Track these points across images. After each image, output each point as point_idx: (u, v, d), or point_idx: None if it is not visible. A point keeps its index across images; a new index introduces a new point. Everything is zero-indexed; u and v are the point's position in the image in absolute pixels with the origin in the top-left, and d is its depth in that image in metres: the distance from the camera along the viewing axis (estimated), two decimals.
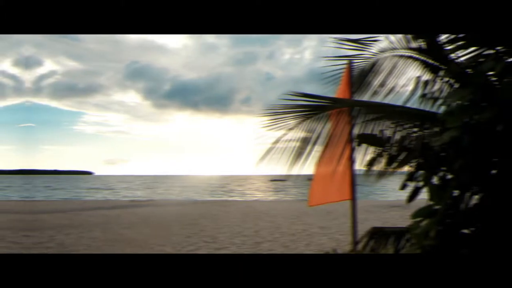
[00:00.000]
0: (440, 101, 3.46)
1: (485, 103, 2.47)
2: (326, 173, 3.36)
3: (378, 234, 3.72)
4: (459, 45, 2.77)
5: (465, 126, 2.41)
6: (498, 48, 2.65)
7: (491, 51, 2.70)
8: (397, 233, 3.54)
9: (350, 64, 4.20)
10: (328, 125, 3.27)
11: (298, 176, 3.33)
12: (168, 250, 10.64)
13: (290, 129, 3.29)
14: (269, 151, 3.28)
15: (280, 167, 3.29)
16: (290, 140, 3.33)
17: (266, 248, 10.82)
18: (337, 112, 3.26)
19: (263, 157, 3.27)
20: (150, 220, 17.88)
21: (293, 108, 3.32)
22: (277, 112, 3.30)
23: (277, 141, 3.31)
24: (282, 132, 3.32)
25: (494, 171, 2.49)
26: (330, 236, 12.59)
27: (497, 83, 2.58)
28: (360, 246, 3.70)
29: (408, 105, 3.85)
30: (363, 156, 3.28)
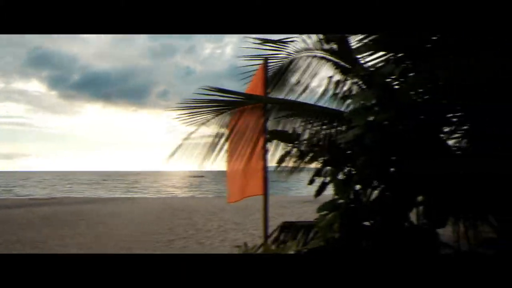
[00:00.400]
0: (349, 101, 3.66)
1: (387, 104, 2.64)
2: (240, 168, 3.37)
3: (288, 228, 3.84)
4: (365, 48, 2.94)
5: (369, 125, 2.56)
6: (400, 54, 2.85)
7: (393, 57, 2.90)
8: (306, 227, 3.67)
9: (265, 62, 4.27)
10: (242, 121, 3.27)
11: (215, 171, 3.30)
12: (74, 251, 9.95)
13: (204, 124, 3.24)
14: (181, 146, 3.21)
15: (194, 162, 3.23)
16: (205, 135, 3.29)
17: (180, 245, 10.62)
18: (251, 108, 3.28)
19: (174, 152, 3.18)
20: (51, 220, 16.53)
21: (209, 102, 3.28)
22: (192, 106, 3.23)
23: (190, 136, 3.24)
24: (197, 126, 3.27)
25: (392, 169, 2.68)
26: (245, 231, 12.75)
27: (397, 86, 2.78)
28: (270, 240, 3.78)
29: (320, 103, 4.02)
30: (275, 152, 3.34)
